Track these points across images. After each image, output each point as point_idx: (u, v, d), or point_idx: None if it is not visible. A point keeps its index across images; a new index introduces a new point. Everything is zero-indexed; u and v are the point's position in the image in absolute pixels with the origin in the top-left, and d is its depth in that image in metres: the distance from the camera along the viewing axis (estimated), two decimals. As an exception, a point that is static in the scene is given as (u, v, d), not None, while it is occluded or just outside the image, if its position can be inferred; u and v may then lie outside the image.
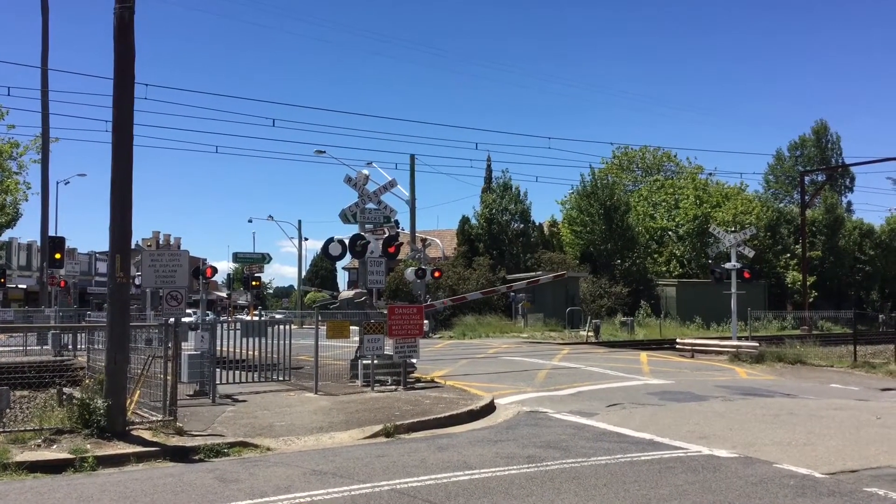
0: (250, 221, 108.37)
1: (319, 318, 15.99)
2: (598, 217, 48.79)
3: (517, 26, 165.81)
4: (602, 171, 56.60)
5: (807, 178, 60.81)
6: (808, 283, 46.21)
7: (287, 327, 16.37)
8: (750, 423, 11.78)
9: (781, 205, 65.18)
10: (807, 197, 50.70)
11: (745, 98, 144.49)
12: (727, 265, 27.84)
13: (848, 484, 7.91)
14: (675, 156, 66.81)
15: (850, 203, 76.47)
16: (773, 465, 8.72)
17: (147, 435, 10.02)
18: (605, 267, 47.72)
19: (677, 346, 27.14)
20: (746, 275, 27.95)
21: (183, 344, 13.37)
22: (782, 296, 52.62)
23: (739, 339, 27.30)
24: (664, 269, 52.27)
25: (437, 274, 36.91)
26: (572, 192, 53.54)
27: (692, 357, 24.79)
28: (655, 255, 53.29)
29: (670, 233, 54.01)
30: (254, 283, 45.30)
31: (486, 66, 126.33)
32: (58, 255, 27.73)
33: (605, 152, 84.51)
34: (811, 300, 47.46)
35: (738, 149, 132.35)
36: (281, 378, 15.85)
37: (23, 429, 10.25)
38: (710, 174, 60.65)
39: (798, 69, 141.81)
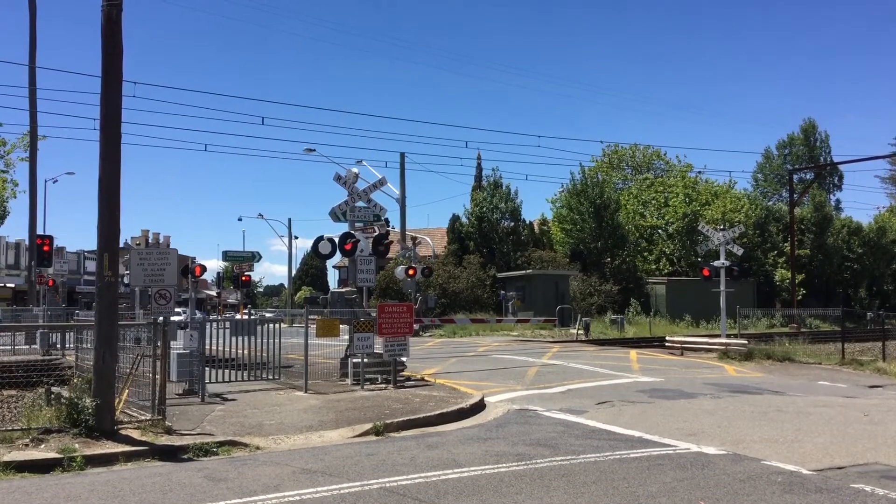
0: (240, 220, 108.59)
1: (309, 317, 15.97)
2: (588, 215, 48.86)
3: (507, 25, 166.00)
4: (592, 170, 56.66)
5: (795, 177, 61.11)
6: (796, 280, 46.42)
7: (277, 326, 16.34)
8: (738, 420, 11.83)
9: (770, 203, 65.44)
10: (795, 195, 50.93)
11: (734, 96, 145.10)
12: (716, 263, 27.94)
13: (835, 480, 7.96)
14: (664, 154, 66.97)
15: (838, 201, 76.95)
16: (761, 462, 8.77)
17: (136, 434, 9.99)
18: (595, 265, 47.81)
19: (667, 344, 27.22)
20: (735, 273, 28.05)
21: (172, 343, 13.33)
22: (771, 293, 52.84)
23: (728, 336, 27.41)
24: (654, 267, 52.40)
25: (427, 272, 36.90)
26: (562, 191, 53.62)
27: (681, 355, 24.86)
28: (645, 254, 53.42)
29: (660, 231, 54.16)
30: (243, 278, 45.19)
31: (476, 65, 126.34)
32: (46, 248, 27.65)
33: (595, 150, 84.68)
34: (800, 298, 47.69)
35: (727, 147, 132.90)
36: (270, 377, 15.82)
37: (10, 428, 10.20)
38: (700, 172, 60.89)
39: (787, 68, 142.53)
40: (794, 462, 8.77)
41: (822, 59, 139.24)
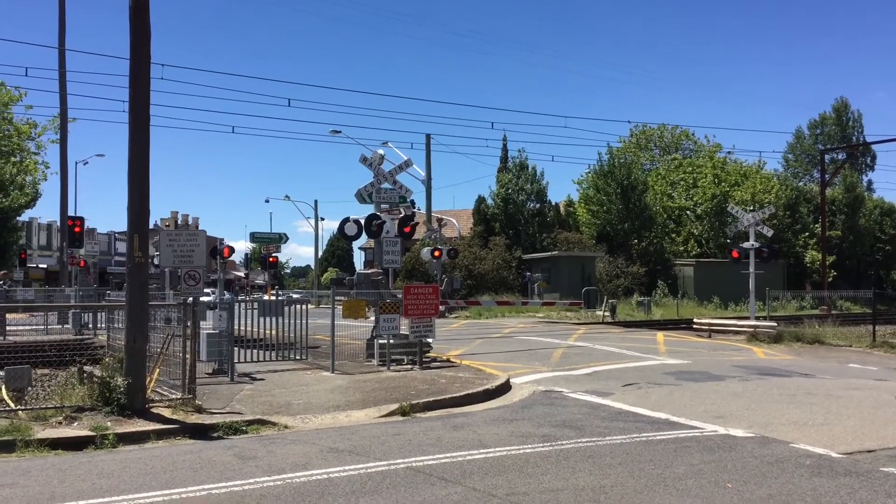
0: (267, 201, 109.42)
1: (335, 298, 16.07)
2: (615, 196, 48.50)
3: (533, 6, 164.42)
4: (619, 150, 56.22)
5: (827, 157, 60.13)
6: (827, 262, 45.80)
7: (304, 307, 16.47)
8: (767, 402, 11.74)
9: (801, 183, 64.54)
10: (827, 175, 50.16)
11: (765, 76, 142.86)
12: (745, 244, 27.65)
13: (865, 464, 7.89)
14: (693, 134, 66.36)
15: (870, 181, 75.77)
16: (789, 445, 8.71)
17: (166, 412, 10.14)
18: (621, 247, 47.50)
19: (694, 326, 27.04)
20: (765, 254, 27.73)
21: (201, 323, 13.48)
22: (801, 275, 52.20)
23: (757, 318, 27.15)
24: (682, 248, 51.95)
25: (453, 254, 36.91)
26: (589, 172, 53.27)
27: (709, 337, 24.71)
28: (673, 235, 52.96)
29: (688, 212, 53.62)
30: (271, 259, 45.54)
31: (502, 46, 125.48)
32: (77, 229, 28.09)
33: (623, 131, 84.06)
34: (830, 280, 47.06)
35: (757, 127, 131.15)
36: (298, 357, 15.96)
37: (44, 406, 10.41)
38: (729, 153, 60.16)
39: (820, 47, 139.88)
40: (823, 445, 8.70)
41: (856, 38, 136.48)
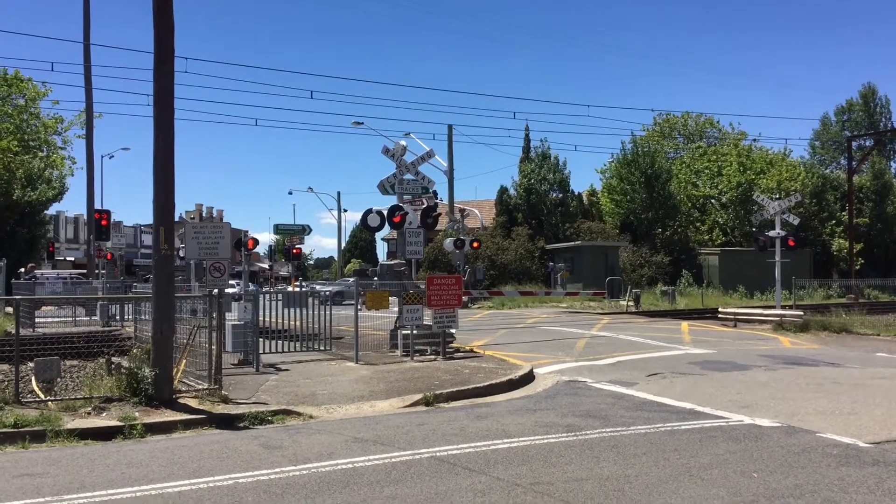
0: (290, 193, 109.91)
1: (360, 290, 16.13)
2: (638, 185, 48.15)
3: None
4: (643, 139, 55.77)
5: (854, 143, 59.27)
6: (854, 250, 45.24)
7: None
8: (793, 392, 11.65)
9: (828, 171, 63.67)
10: (854, 162, 49.47)
11: (790, 62, 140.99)
12: (771, 233, 27.40)
13: (893, 453, 7.80)
14: (717, 122, 65.63)
15: (899, 168, 74.52)
16: (816, 435, 8.63)
17: (193, 403, 10.26)
18: (645, 236, 47.20)
19: (720, 316, 26.84)
20: (791, 243, 27.48)
21: (227, 314, 13.60)
22: (828, 264, 51.59)
23: (783, 307, 26.89)
24: (706, 237, 51.52)
25: (475, 244, 36.89)
26: (612, 161, 52.90)
27: (735, 326, 24.52)
28: (698, 224, 52.53)
29: (713, 200, 53.13)
30: (294, 251, 45.68)
31: (523, 35, 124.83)
32: (104, 222, 28.41)
33: (646, 119, 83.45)
34: (858, 268, 46.47)
35: (782, 114, 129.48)
36: (322, 348, 16.07)
37: (73, 397, 10.56)
38: (754, 140, 59.48)
39: (847, 32, 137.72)
40: (851, 435, 8.61)
41: (883, 23, 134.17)
